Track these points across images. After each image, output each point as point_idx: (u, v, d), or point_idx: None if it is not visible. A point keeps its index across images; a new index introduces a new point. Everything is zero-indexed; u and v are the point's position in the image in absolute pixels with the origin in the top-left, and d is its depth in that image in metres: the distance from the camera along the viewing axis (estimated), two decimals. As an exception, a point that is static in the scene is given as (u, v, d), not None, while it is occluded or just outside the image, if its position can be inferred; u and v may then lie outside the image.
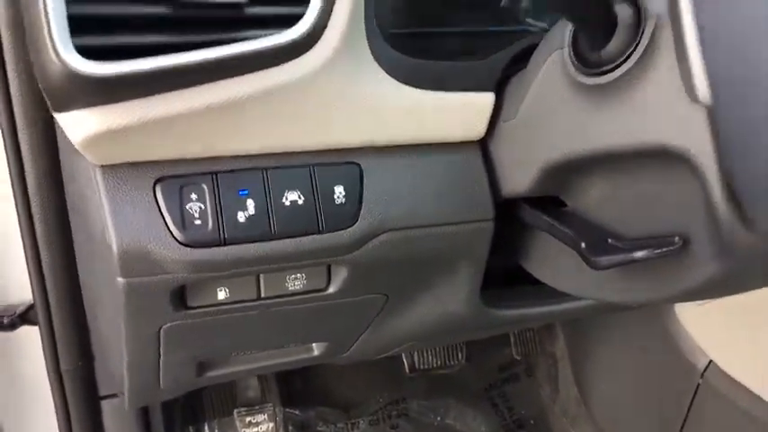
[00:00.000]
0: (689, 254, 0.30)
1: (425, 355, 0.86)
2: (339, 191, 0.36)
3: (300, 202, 0.35)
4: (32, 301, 0.46)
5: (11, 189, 0.41)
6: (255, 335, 0.42)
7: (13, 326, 0.47)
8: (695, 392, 0.70)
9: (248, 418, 0.79)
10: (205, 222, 0.33)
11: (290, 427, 0.82)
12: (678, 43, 0.26)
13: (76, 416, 0.51)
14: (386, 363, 0.77)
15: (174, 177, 0.32)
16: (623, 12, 0.29)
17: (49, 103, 0.29)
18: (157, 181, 0.32)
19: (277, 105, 0.32)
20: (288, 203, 0.34)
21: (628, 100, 0.29)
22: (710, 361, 0.68)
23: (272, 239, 0.34)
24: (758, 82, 0.26)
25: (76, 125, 0.29)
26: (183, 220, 0.32)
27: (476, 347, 0.90)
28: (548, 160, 0.35)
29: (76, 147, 0.30)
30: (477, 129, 0.39)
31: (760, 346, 0.65)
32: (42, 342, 0.47)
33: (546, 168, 0.36)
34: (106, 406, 0.53)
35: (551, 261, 0.40)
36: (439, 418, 0.88)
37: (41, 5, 0.27)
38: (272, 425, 0.79)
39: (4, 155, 0.40)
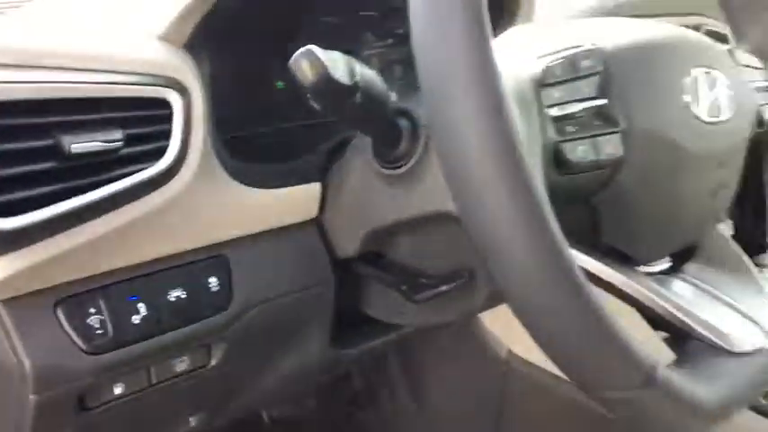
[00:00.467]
0: (475, 282, 0.44)
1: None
2: (213, 281, 0.43)
3: (183, 296, 0.42)
4: None
5: None
6: (148, 415, 0.47)
7: None
8: (504, 380, 0.87)
9: None
10: (105, 330, 0.38)
11: None
12: None
13: None
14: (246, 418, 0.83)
15: (72, 297, 0.38)
16: (404, 124, 0.42)
17: None
18: (57, 303, 0.37)
19: (155, 223, 0.39)
20: (173, 299, 0.41)
21: (416, 184, 0.42)
22: (509, 350, 0.86)
23: (162, 333, 0.41)
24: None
25: None
26: (85, 332, 0.37)
27: (323, 387, 0.99)
28: (367, 229, 0.47)
29: None
30: (312, 211, 0.49)
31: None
32: None
33: (367, 235, 0.48)
34: None
35: (383, 301, 0.53)
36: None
37: None
38: None
39: None
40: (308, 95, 0.35)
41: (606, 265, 0.36)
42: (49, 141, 0.35)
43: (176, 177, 0.40)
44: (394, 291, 0.49)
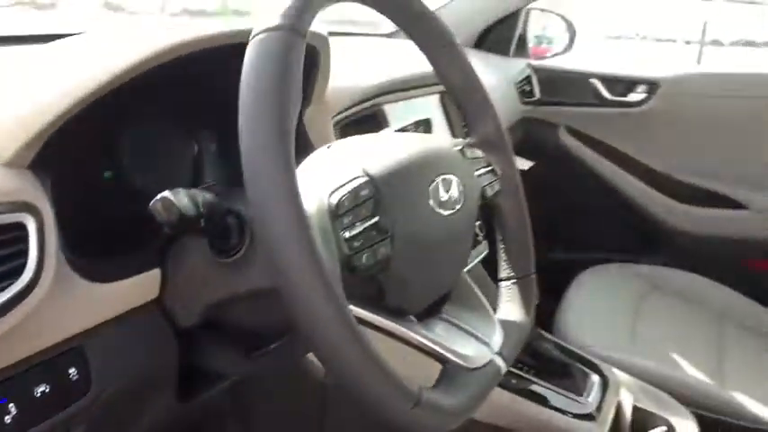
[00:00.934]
0: (295, 338, 0.57)
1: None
2: (73, 371, 0.50)
3: (47, 390, 0.48)
4: None
5: None
6: None
7: None
8: (323, 404, 1.01)
9: None
10: None
11: None
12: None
13: None
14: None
15: None
16: (233, 221, 0.53)
17: None
18: None
19: (17, 331, 0.45)
20: (39, 395, 0.47)
21: (245, 268, 0.53)
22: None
23: (32, 426, 0.47)
24: None
25: None
26: None
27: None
28: (204, 304, 0.57)
29: None
30: (154, 293, 0.58)
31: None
32: None
33: (204, 308, 0.58)
34: None
35: (222, 359, 0.63)
36: None
37: None
38: None
39: None
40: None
41: (387, 318, 0.51)
42: None
43: (35, 291, 0.46)
44: (231, 350, 0.60)
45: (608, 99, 1.56)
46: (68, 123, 0.51)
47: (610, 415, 0.92)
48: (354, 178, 0.48)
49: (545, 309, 1.19)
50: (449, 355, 0.52)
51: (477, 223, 0.87)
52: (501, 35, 1.59)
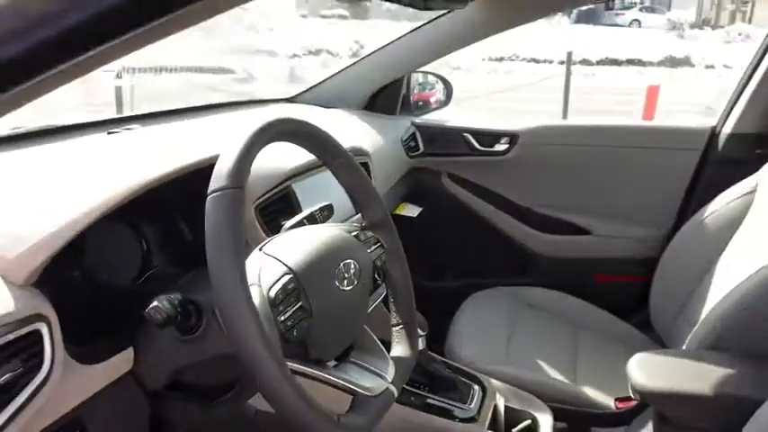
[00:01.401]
0: (243, 387, 0.77)
1: None
2: None
3: None
4: None
5: None
6: None
7: None
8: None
9: None
10: None
11: None
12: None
13: None
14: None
15: None
16: (192, 308, 0.72)
17: None
18: None
19: (40, 410, 0.62)
20: None
21: (203, 342, 0.73)
22: (257, 410, 1.19)
23: None
24: None
25: None
26: None
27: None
28: (169, 370, 0.76)
29: None
30: (129, 365, 0.75)
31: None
32: None
33: (170, 374, 0.76)
34: None
35: (181, 409, 0.81)
36: None
37: None
38: None
39: None
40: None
41: (311, 367, 0.73)
42: None
43: (52, 377, 0.63)
44: (189, 403, 0.78)
45: (478, 149, 1.86)
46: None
47: (488, 416, 1.18)
48: (283, 275, 0.69)
49: (440, 329, 1.45)
50: (356, 389, 0.74)
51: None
52: (388, 97, 1.86)
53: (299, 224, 1.02)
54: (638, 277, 1.75)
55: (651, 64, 14.15)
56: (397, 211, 1.86)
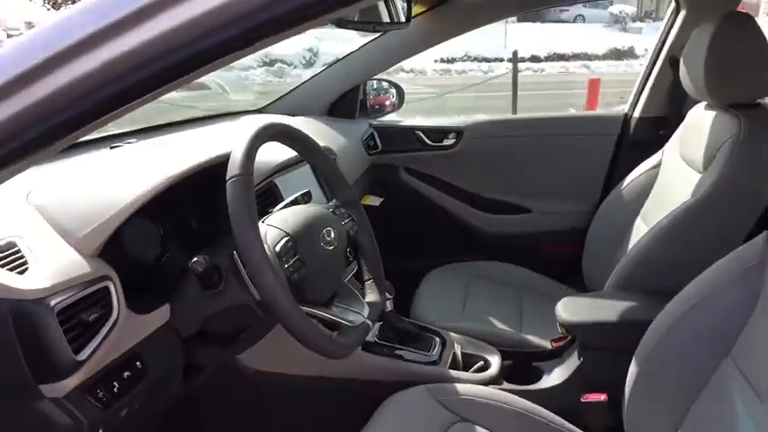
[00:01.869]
0: (256, 326, 1.02)
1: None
2: (138, 364, 0.90)
3: (127, 375, 0.88)
4: None
5: None
6: None
7: None
8: (257, 390, 1.42)
9: None
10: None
11: None
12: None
13: None
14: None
15: None
16: (214, 269, 0.96)
17: None
18: None
19: (111, 346, 0.85)
20: (125, 378, 0.87)
21: (226, 293, 0.97)
22: (256, 369, 1.42)
23: (119, 398, 0.86)
24: None
25: None
26: None
27: None
28: (200, 319, 1.00)
29: None
30: (166, 317, 0.99)
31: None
32: None
33: (198, 322, 1.00)
34: None
35: (210, 353, 1.05)
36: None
37: None
38: None
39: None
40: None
41: (307, 305, 0.97)
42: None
43: (119, 323, 0.86)
44: (213, 347, 1.02)
45: (429, 145, 2.14)
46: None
47: (448, 360, 1.44)
48: (282, 237, 0.94)
49: (405, 299, 1.70)
50: (341, 321, 0.99)
51: (348, 249, 1.35)
52: (347, 104, 2.11)
53: (288, 206, 1.26)
54: (575, 245, 2.04)
55: (597, 57, 14.82)
56: (362, 202, 2.11)
